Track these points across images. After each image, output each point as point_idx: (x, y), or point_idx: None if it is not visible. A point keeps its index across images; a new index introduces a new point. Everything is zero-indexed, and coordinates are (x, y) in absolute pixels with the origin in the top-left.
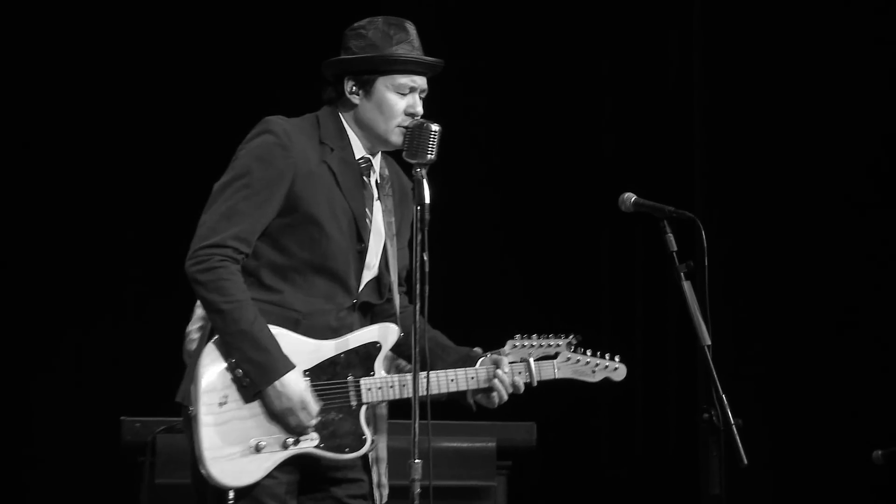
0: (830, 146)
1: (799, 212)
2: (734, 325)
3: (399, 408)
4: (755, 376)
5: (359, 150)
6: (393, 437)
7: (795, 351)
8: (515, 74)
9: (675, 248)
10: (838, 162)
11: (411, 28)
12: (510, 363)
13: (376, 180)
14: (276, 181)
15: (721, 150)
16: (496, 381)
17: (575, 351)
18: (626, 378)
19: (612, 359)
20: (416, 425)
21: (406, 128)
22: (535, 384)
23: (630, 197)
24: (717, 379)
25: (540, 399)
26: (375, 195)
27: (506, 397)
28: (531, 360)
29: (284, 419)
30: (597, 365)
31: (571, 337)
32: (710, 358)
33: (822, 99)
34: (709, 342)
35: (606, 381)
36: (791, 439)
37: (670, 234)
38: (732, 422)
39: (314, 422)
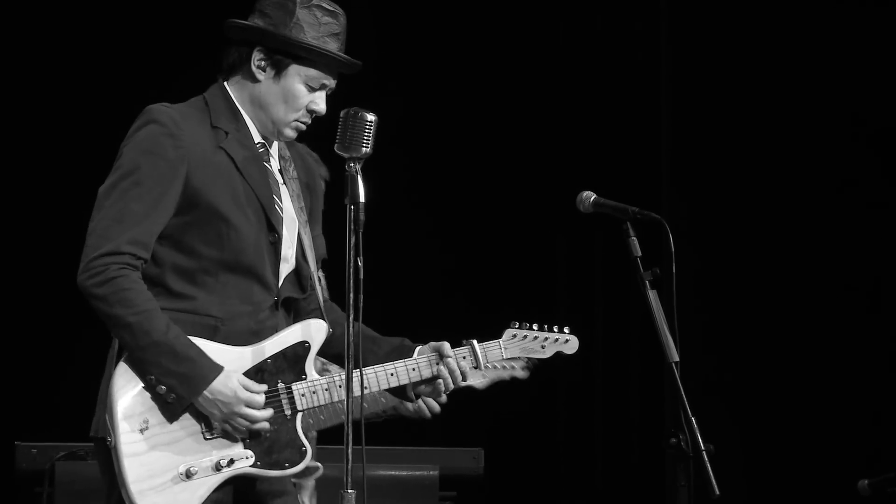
0: (806, 143)
1: (776, 214)
2: (705, 339)
3: (329, 432)
4: (728, 397)
5: (255, 134)
6: (323, 465)
7: (773, 369)
8: (461, 60)
9: (640, 254)
10: (819, 159)
11: (343, 19)
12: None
13: (279, 165)
14: (168, 175)
15: (691, 144)
16: (441, 367)
17: (520, 326)
18: (584, 398)
19: (560, 330)
20: (349, 451)
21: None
22: (483, 368)
23: (589, 196)
24: (685, 399)
25: (488, 422)
26: (280, 180)
27: (452, 386)
28: (475, 342)
29: (232, 425)
30: (546, 339)
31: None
32: (678, 376)
33: (795, 94)
34: (677, 358)
35: (559, 355)
36: (769, 467)
37: (634, 238)
38: (703, 447)
39: (268, 413)
